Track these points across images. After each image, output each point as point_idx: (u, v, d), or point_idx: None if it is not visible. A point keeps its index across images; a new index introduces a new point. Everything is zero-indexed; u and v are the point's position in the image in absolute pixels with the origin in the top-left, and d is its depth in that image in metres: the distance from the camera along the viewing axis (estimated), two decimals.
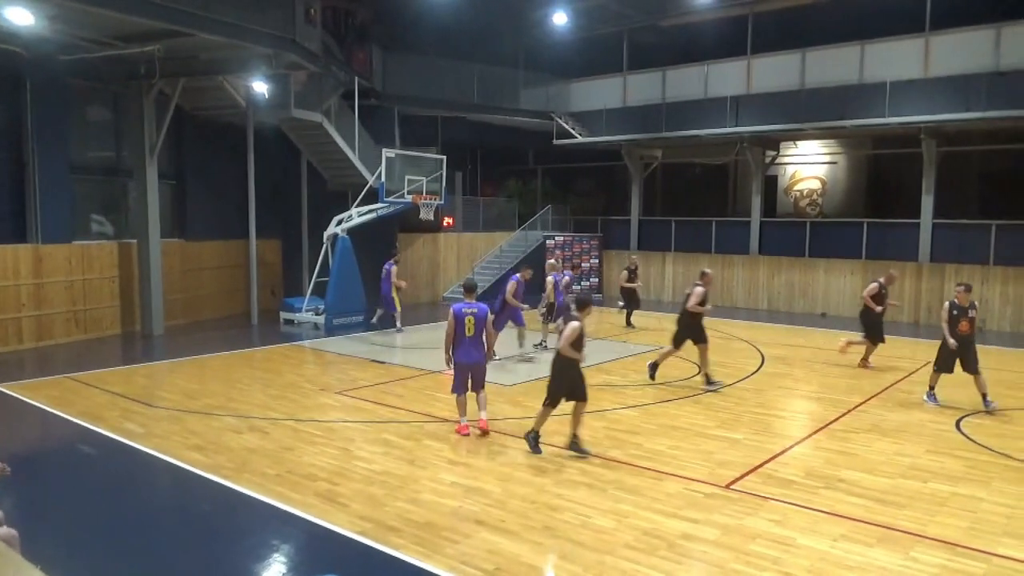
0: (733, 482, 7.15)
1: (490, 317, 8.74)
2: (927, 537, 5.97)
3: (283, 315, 17.48)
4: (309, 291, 17.60)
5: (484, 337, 8.61)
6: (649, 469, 7.49)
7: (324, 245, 17.30)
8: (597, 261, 24.32)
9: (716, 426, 9.14)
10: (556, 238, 24.08)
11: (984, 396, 9.98)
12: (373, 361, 13.04)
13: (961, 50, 17.67)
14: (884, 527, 6.15)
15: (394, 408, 9.78)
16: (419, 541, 5.78)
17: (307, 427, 8.88)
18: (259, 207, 17.79)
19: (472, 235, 23.72)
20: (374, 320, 16.86)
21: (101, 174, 16.31)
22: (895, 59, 18.55)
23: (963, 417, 9.65)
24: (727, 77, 21.35)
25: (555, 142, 24.36)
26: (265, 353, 13.89)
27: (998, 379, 11.84)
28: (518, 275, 13.67)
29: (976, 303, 10.43)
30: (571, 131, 24.05)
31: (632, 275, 18.38)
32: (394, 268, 16.40)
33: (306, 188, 20.09)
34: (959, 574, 5.37)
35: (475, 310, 8.56)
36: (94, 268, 15.24)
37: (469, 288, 8.98)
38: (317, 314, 16.92)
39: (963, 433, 8.99)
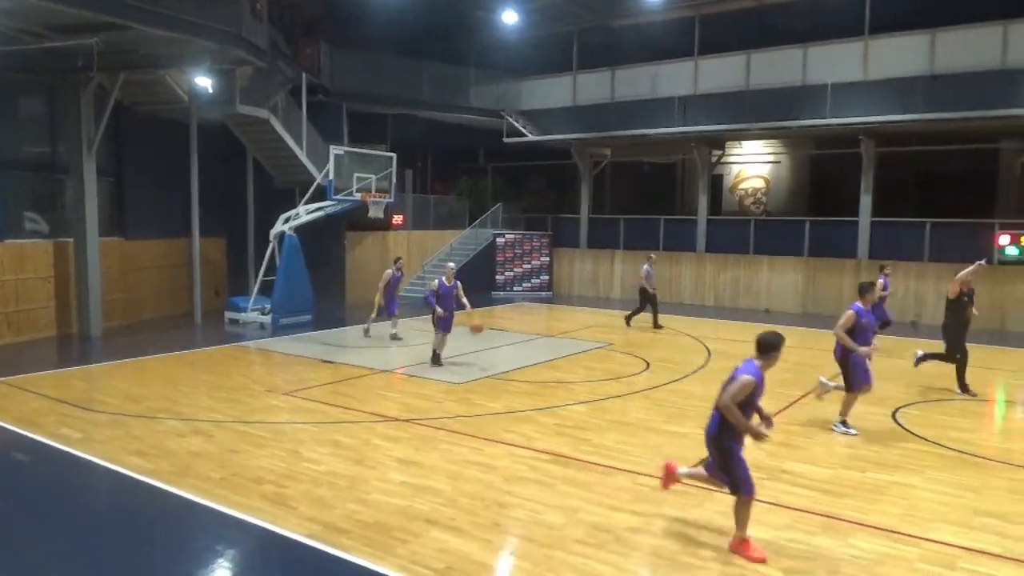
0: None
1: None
2: (866, 525, 6.17)
3: (228, 315, 17.13)
4: (255, 290, 17.28)
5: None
6: (599, 464, 7.56)
7: (271, 243, 17.01)
8: (548, 259, 24.44)
9: (664, 421, 9.28)
10: (506, 236, 24.14)
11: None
12: (323, 361, 12.88)
13: (898, 54, 18.30)
14: (826, 516, 6.33)
15: (344, 408, 9.68)
16: (369, 542, 5.73)
17: (254, 429, 8.72)
18: (203, 204, 17.37)
19: (422, 233, 23.60)
20: (395, 332, 15.09)
21: (35, 170, 15.73)
22: (836, 62, 19.11)
23: (898, 409, 10.00)
24: (675, 77, 21.68)
25: (506, 140, 24.41)
26: (209, 354, 13.59)
27: (933, 372, 12.28)
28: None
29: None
30: (522, 130, 24.11)
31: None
32: (388, 272, 15.06)
33: (252, 185, 19.71)
34: (895, 559, 5.57)
35: None
36: (28, 268, 14.69)
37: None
38: (263, 314, 16.63)
39: (899, 424, 9.31)
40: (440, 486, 6.91)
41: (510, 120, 24.21)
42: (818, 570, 5.37)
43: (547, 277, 24.40)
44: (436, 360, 12.33)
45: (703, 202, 22.51)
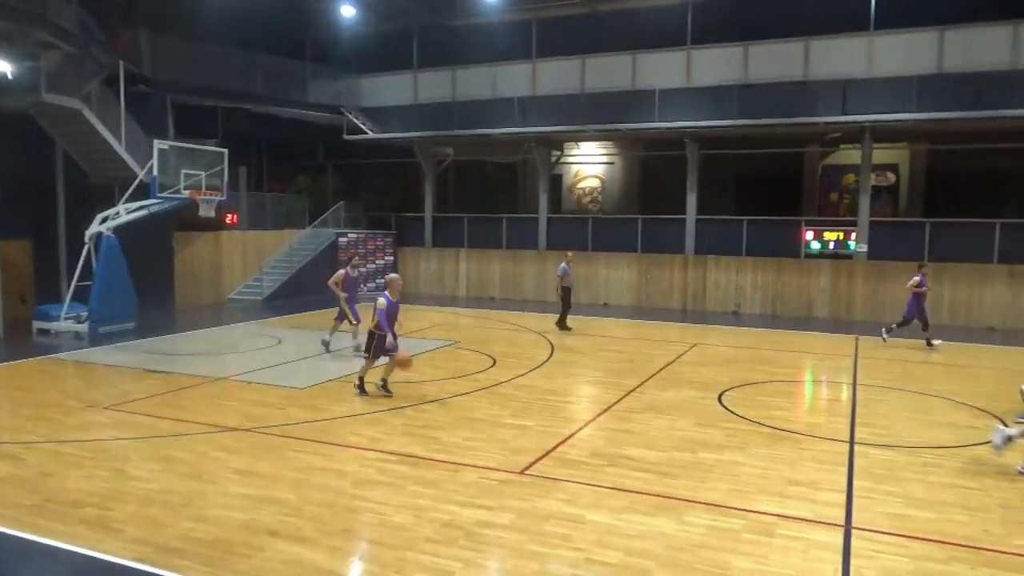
0: (527, 467, 7.45)
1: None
2: (697, 502, 6.62)
3: (37, 324, 15.50)
4: (69, 297, 15.76)
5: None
6: (447, 462, 7.59)
7: (86, 245, 15.58)
8: (392, 258, 24.19)
9: (510, 415, 9.46)
10: (349, 235, 23.62)
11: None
12: (148, 371, 11.97)
13: (716, 64, 19.78)
14: (661, 496, 6.72)
15: (176, 420, 9.06)
16: (207, 560, 5.40)
17: (70, 449, 7.96)
18: (3, 203, 15.61)
19: (259, 233, 22.57)
20: (359, 343, 13.07)
21: None
22: (663, 69, 20.34)
23: (724, 392, 10.81)
24: (515, 79, 22.17)
25: (346, 137, 23.88)
26: (15, 369, 12.25)
27: (755, 356, 13.41)
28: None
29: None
30: (362, 127, 23.68)
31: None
32: (341, 273, 13.88)
33: (63, 182, 17.96)
34: (722, 531, 6.02)
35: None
36: None
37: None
38: (79, 322, 15.21)
39: (724, 406, 10.06)
40: (285, 496, 6.65)
41: (350, 117, 23.71)
42: (654, 547, 5.69)
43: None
44: (386, 388, 10.23)
45: (544, 201, 23.18)
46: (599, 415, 9.61)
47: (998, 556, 5.65)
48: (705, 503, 6.60)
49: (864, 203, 19.38)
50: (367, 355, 10.33)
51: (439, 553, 5.55)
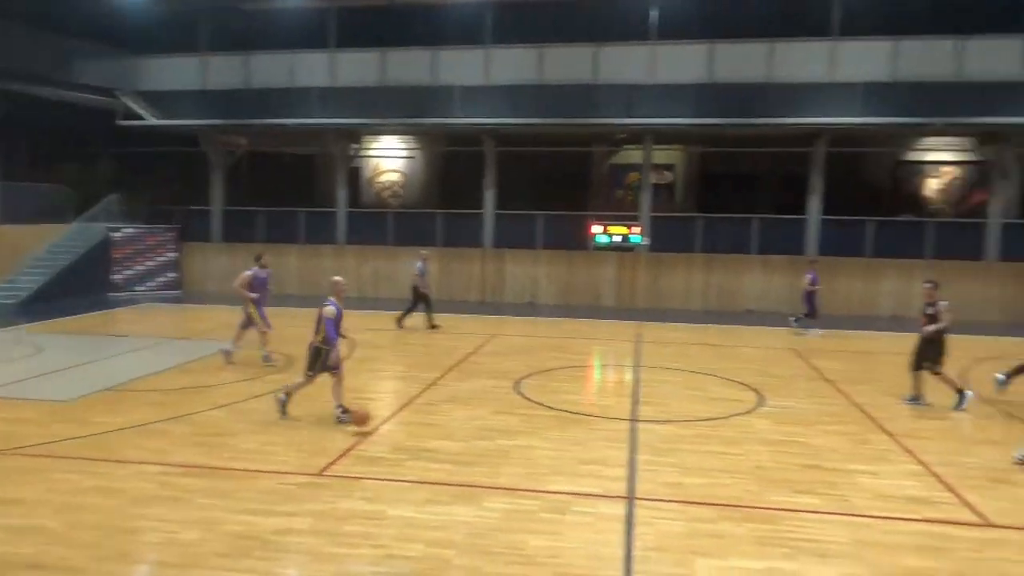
0: (326, 468, 7.27)
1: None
2: (495, 487, 6.83)
3: None
4: None
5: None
6: (241, 469, 7.20)
7: None
8: (175, 255, 22.45)
9: (306, 416, 9.17)
10: (124, 231, 21.58)
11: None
12: None
13: (513, 63, 20.39)
14: (461, 485, 6.86)
15: None
16: None
17: None
18: None
19: (16, 228, 19.95)
20: (268, 353, 12.24)
21: None
22: (463, 66, 20.63)
23: (520, 380, 11.23)
24: (313, 68, 21.41)
25: (121, 123, 21.77)
26: None
27: (549, 345, 14.03)
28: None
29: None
30: (141, 112, 21.72)
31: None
32: (247, 274, 12.47)
33: None
34: (519, 512, 6.27)
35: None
36: None
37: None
38: None
39: (521, 394, 10.46)
40: (49, 523, 5.96)
41: (127, 101, 21.64)
42: (455, 536, 5.81)
43: (175, 275, 22.41)
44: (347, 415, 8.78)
45: (343, 194, 22.66)
46: (400, 410, 9.60)
47: (756, 511, 6.40)
48: (503, 488, 6.83)
49: (646, 200, 20.98)
50: (309, 373, 8.94)
51: (232, 567, 5.27)
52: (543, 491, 6.77)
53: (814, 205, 20.10)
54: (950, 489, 7.04)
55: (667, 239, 20.87)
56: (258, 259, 12.85)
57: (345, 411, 8.80)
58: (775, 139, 20.62)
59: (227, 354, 12.17)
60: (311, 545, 5.64)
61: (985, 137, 20.09)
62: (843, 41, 18.81)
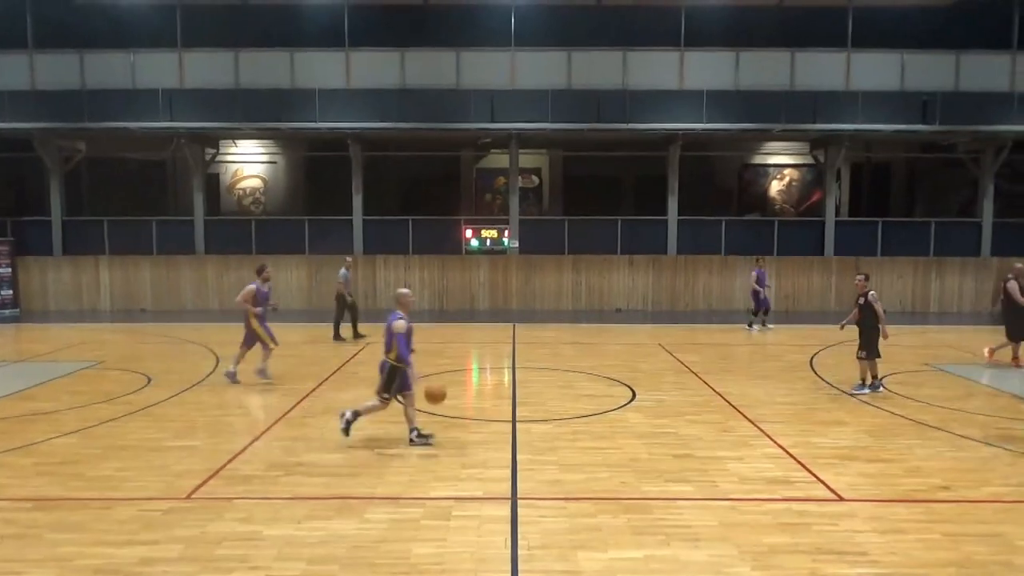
0: (194, 491, 6.85)
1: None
2: (376, 498, 6.69)
3: None
4: None
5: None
6: (95, 499, 6.65)
7: None
8: (10, 270, 20.45)
9: (171, 437, 8.61)
10: None
11: None
12: None
13: (376, 67, 20.07)
14: (341, 498, 6.67)
15: None
16: None
17: None
18: None
19: None
20: (264, 368, 11.61)
21: None
22: (323, 69, 20.08)
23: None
24: (159, 68, 20.11)
25: None
26: None
27: (425, 350, 13.83)
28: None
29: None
30: None
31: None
32: (251, 288, 11.76)
33: None
34: (402, 521, 6.17)
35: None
36: None
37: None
38: None
39: (399, 401, 10.27)
40: None
41: None
42: (337, 551, 5.63)
43: (10, 292, 20.43)
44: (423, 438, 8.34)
45: (199, 201, 21.48)
46: (273, 424, 9.21)
47: (633, 502, 6.63)
48: (385, 498, 6.70)
49: (514, 203, 21.30)
50: (385, 395, 8.30)
51: None
52: (426, 498, 6.71)
53: (672, 206, 21.15)
54: (805, 468, 7.60)
55: (536, 241, 21.29)
56: (260, 272, 12.15)
57: (421, 435, 8.27)
58: (633, 143, 21.53)
59: (231, 376, 11.55)
60: (181, 574, 5.29)
61: (818, 142, 21.92)
62: (690, 51, 19.91)
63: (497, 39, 20.12)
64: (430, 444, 8.24)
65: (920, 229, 21.68)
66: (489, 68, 20.10)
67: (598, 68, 19.99)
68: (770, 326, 17.42)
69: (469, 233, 21.25)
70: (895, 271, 20.87)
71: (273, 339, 11.76)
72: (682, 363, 13.13)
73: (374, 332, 16.91)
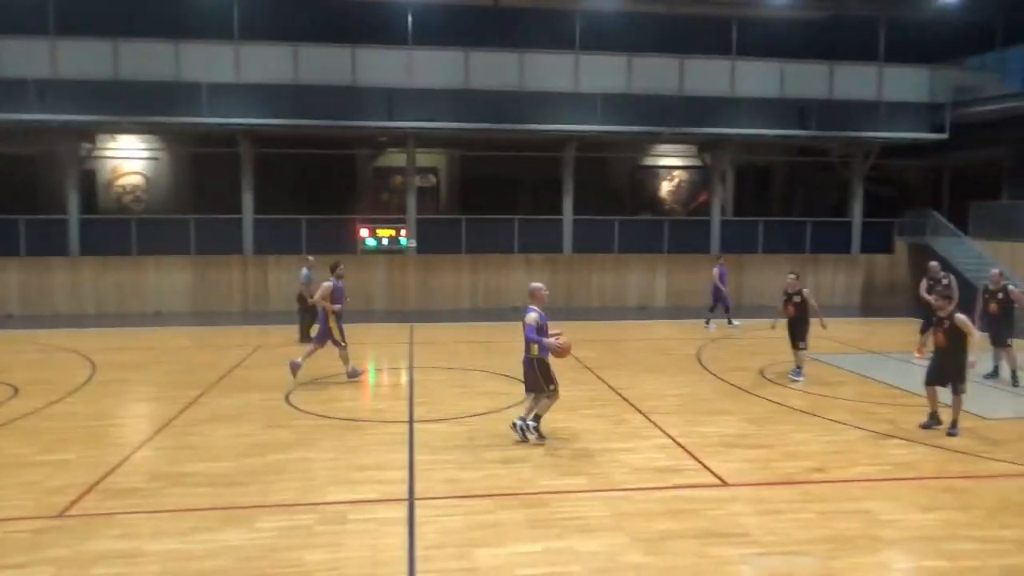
0: (67, 508, 6.43)
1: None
2: (268, 506, 6.49)
3: None
4: None
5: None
6: None
7: None
8: None
9: (40, 452, 8.04)
10: None
11: None
12: None
13: (267, 62, 19.36)
14: (230, 508, 6.42)
15: None
16: None
17: None
18: None
19: None
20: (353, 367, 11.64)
21: None
22: (211, 62, 19.18)
23: (291, 391, 10.77)
24: (27, 57, 18.66)
25: None
26: None
27: (323, 352, 13.54)
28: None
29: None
30: None
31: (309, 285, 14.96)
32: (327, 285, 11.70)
33: None
34: (294, 529, 6.01)
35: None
36: None
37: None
38: None
39: (292, 405, 10.03)
40: None
41: None
42: (225, 563, 5.42)
43: None
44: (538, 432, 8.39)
45: (74, 199, 20.13)
46: (156, 434, 8.76)
47: (530, 497, 6.72)
48: (276, 505, 6.51)
49: (411, 202, 21.12)
50: (551, 387, 8.30)
51: None
52: (320, 503, 6.56)
53: (568, 206, 21.54)
54: (693, 457, 7.92)
55: (434, 241, 21.19)
56: (334, 269, 12.09)
57: (540, 434, 8.35)
58: (530, 144, 21.78)
59: (355, 374, 11.70)
60: None
61: (705, 145, 22.89)
62: (585, 55, 20.34)
63: (394, 37, 19.88)
64: (543, 440, 8.31)
65: (797, 228, 23.00)
66: (386, 66, 19.81)
67: (496, 69, 20.07)
68: (736, 323, 17.41)
69: (365, 232, 20.90)
70: (775, 268, 22.04)
71: (344, 338, 11.66)
72: (577, 359, 13.38)
73: (263, 337, 16.40)
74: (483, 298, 21.23)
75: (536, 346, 8.12)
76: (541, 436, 8.34)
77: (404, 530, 6.02)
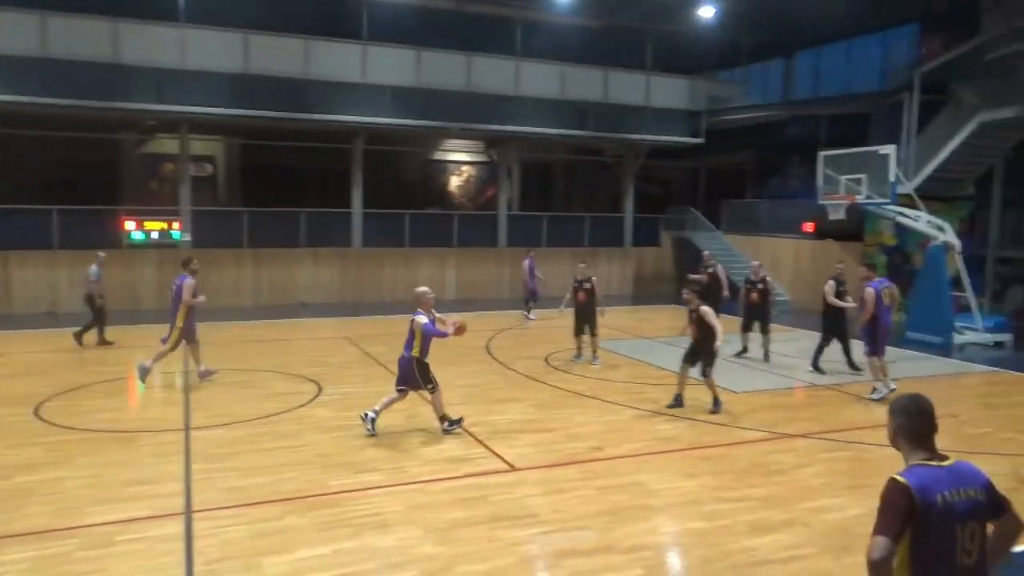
0: None
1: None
2: (15, 535, 5.71)
3: None
4: None
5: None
6: None
7: None
8: None
9: None
10: None
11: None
12: None
13: (8, 30, 16.85)
14: None
15: None
16: None
17: None
18: None
19: None
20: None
21: None
22: None
23: (41, 403, 9.56)
24: None
25: None
26: None
27: (77, 359, 12.17)
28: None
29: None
30: None
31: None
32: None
33: None
34: (50, 557, 5.35)
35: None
36: None
37: None
38: None
39: (43, 420, 8.91)
40: None
41: None
42: None
43: None
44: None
45: None
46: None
47: (320, 499, 6.53)
48: (27, 533, 5.75)
49: (185, 193, 19.57)
50: (430, 387, 8.54)
51: None
52: (80, 527, 5.89)
53: (357, 199, 21.14)
54: (483, 444, 8.14)
55: (212, 234, 19.79)
56: (187, 264, 10.91)
57: (452, 422, 8.58)
58: (316, 134, 21.09)
59: (205, 373, 10.98)
60: None
61: (492, 141, 23.56)
62: (373, 46, 20.02)
63: (164, 13, 18.20)
64: (460, 425, 8.58)
65: (577, 223, 24.44)
66: (156, 44, 18.04)
67: (279, 55, 19.10)
68: (532, 316, 17.92)
69: (132, 225, 19.01)
70: (558, 260, 23.24)
71: (179, 341, 10.82)
72: (369, 355, 13.23)
73: (6, 344, 14.44)
74: (268, 295, 20.23)
75: (418, 347, 8.44)
76: (457, 424, 8.61)
77: (181, 546, 5.58)
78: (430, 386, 8.54)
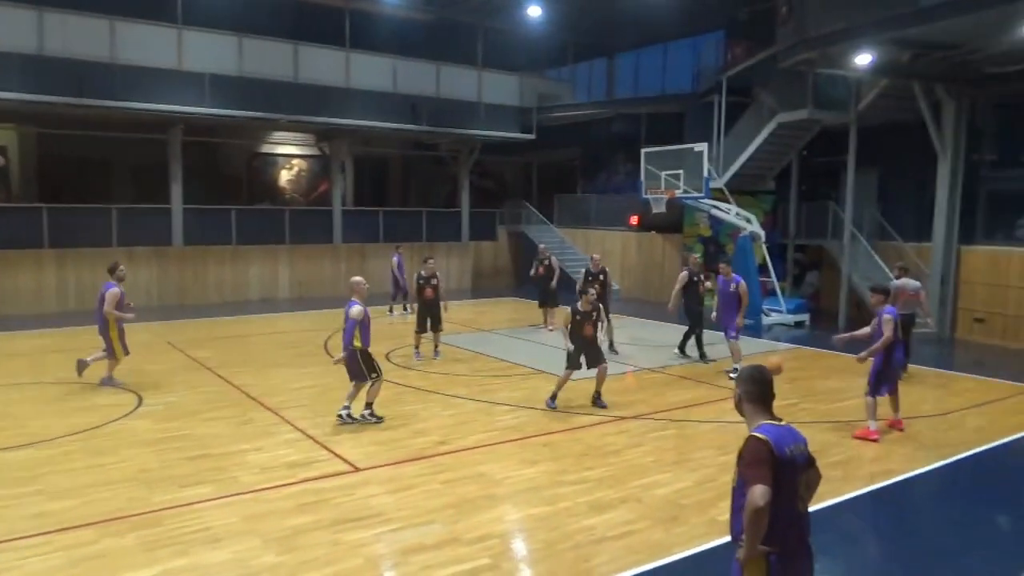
0: None
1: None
2: None
3: None
4: None
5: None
6: None
7: None
8: None
9: None
10: None
11: None
12: None
13: None
14: None
15: None
16: None
17: None
18: None
19: None
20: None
21: None
22: None
23: None
24: None
25: None
26: None
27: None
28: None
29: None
30: None
31: None
32: None
33: None
34: None
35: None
36: None
37: None
38: None
39: None
40: None
41: None
42: None
43: None
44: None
45: None
46: None
47: (143, 517, 6.03)
48: None
49: None
50: (374, 375, 8.65)
51: None
52: None
53: (176, 194, 19.69)
54: (324, 447, 7.89)
55: (6, 233, 17.69)
56: (114, 271, 10.90)
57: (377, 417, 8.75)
58: (127, 124, 19.41)
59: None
60: None
61: (323, 134, 22.83)
62: (189, 31, 18.69)
63: None
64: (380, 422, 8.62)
65: (414, 218, 24.28)
66: None
67: (80, 35, 17.27)
68: (407, 310, 16.90)
69: None
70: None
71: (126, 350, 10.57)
72: (195, 359, 12.41)
73: None
74: (76, 299, 18.35)
75: (359, 337, 8.46)
76: (378, 419, 8.70)
77: None
78: (374, 375, 8.64)
